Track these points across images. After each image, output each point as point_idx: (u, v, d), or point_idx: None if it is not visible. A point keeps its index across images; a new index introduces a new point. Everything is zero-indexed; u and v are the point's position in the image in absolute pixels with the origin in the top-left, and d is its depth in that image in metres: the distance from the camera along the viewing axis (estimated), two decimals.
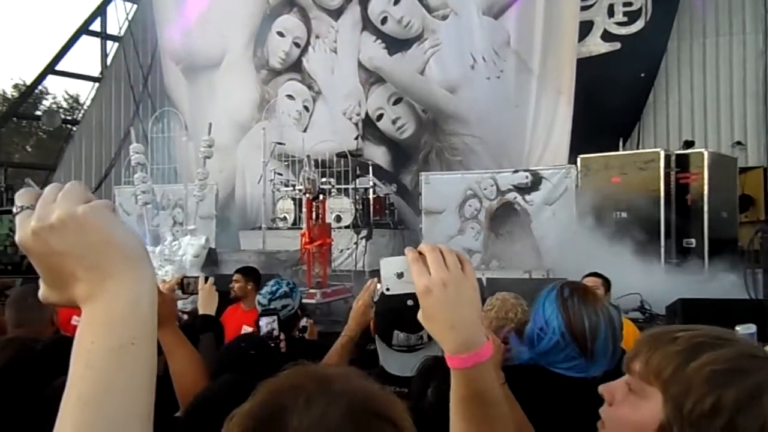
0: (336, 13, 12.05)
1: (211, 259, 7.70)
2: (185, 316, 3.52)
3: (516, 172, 8.40)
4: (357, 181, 9.96)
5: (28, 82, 15.93)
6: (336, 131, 11.42)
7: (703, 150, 7.32)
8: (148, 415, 0.61)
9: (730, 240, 7.19)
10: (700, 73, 10.98)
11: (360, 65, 11.80)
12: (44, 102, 18.50)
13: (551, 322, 1.64)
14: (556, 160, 9.44)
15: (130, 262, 0.63)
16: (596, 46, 10.99)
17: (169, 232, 8.11)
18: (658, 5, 10.69)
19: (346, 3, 11.93)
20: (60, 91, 18.90)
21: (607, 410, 0.95)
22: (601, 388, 0.96)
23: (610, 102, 9.92)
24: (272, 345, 2.77)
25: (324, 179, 8.64)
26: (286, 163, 11.05)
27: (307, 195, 6.72)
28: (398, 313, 1.81)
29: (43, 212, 0.62)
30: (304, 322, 3.37)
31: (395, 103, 11.60)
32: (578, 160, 7.70)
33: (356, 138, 11.08)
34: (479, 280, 0.97)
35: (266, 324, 2.60)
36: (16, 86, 19.29)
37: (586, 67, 10.28)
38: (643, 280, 6.28)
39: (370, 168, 10.11)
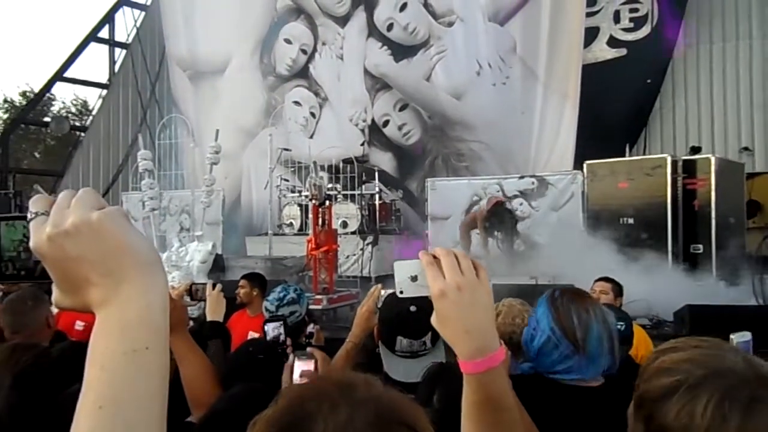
0: (342, 20, 12.11)
1: (217, 265, 7.71)
2: (191, 323, 3.53)
3: (522, 177, 8.39)
4: (363, 187, 9.98)
5: (36, 89, 16.08)
6: (342, 137, 11.46)
7: (710, 156, 7.29)
8: (161, 418, 0.61)
9: (738, 246, 7.15)
10: (706, 79, 10.96)
11: (366, 72, 11.84)
12: (53, 108, 18.65)
13: (542, 320, 1.65)
14: (561, 166, 9.43)
15: (143, 267, 0.63)
16: (602, 52, 10.99)
17: (176, 237, 8.15)
18: (665, 11, 10.68)
19: (353, 10, 11.99)
20: (68, 97, 19.05)
21: None
22: None
23: (616, 108, 9.91)
24: (279, 351, 2.78)
25: (330, 185, 8.66)
26: (293, 169, 11.09)
27: (314, 201, 6.73)
28: (401, 319, 1.82)
29: (57, 218, 0.62)
30: (311, 328, 3.37)
31: (401, 109, 11.63)
32: (585, 165, 7.68)
33: (362, 144, 11.12)
34: None
35: (272, 329, 2.60)
36: (24, 93, 19.47)
37: (592, 73, 10.28)
38: (651, 286, 6.25)
39: (377, 174, 10.13)
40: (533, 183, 8.19)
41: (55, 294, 0.65)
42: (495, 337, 0.91)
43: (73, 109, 19.71)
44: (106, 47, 14.64)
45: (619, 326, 2.51)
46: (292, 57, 12.55)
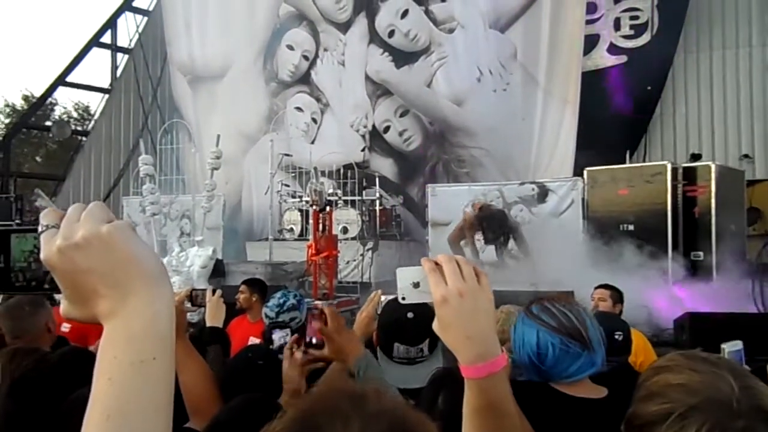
0: (344, 27, 12.15)
1: (218, 270, 7.72)
2: (191, 329, 3.53)
3: (522, 184, 8.40)
4: (364, 192, 10.00)
5: (38, 94, 16.13)
6: (343, 143, 11.49)
7: (710, 163, 7.31)
8: (167, 428, 0.63)
9: (739, 253, 7.15)
10: (706, 86, 10.98)
11: (367, 78, 11.88)
12: (54, 113, 18.70)
13: (542, 337, 1.62)
14: (561, 172, 9.45)
15: (150, 279, 0.65)
16: (603, 59, 11.02)
17: (176, 242, 8.15)
18: (665, 18, 10.72)
19: (354, 16, 12.03)
20: (70, 102, 19.08)
21: None
22: None
23: (616, 115, 9.93)
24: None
25: (331, 191, 8.67)
26: (293, 174, 11.11)
27: (314, 206, 6.74)
28: (399, 326, 1.82)
29: (68, 231, 0.64)
30: None
31: (402, 115, 11.66)
32: (585, 172, 7.69)
33: (363, 150, 11.15)
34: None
35: (279, 338, 2.61)
36: (25, 98, 19.52)
37: (592, 80, 10.31)
38: (651, 293, 6.25)
39: (377, 180, 10.15)
40: (534, 189, 8.20)
41: (64, 305, 0.67)
42: (496, 343, 0.93)
43: (75, 114, 19.75)
44: (108, 52, 14.68)
45: (617, 336, 2.52)
46: (294, 63, 12.60)
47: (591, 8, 10.79)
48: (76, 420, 0.62)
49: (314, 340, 1.64)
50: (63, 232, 0.64)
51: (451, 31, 11.25)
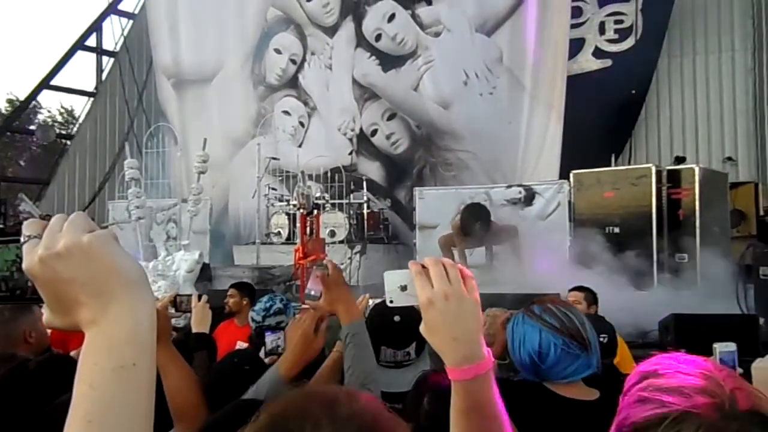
0: (331, 31, 12.15)
1: (204, 274, 7.68)
2: (174, 333, 3.51)
3: (509, 187, 8.44)
4: (351, 196, 9.99)
5: (22, 97, 15.95)
6: (331, 147, 11.47)
7: (694, 166, 7.37)
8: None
9: (722, 255, 7.23)
10: (690, 90, 11.11)
11: (354, 81, 11.88)
12: (38, 116, 18.51)
13: (544, 337, 1.64)
14: (547, 175, 9.50)
15: (131, 287, 0.66)
16: (588, 63, 11.11)
17: (162, 246, 8.10)
18: (649, 22, 10.84)
19: (341, 20, 12.04)
20: (55, 105, 18.92)
21: None
22: None
23: (602, 118, 10.01)
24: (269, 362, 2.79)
25: (318, 194, 8.66)
26: (281, 178, 11.08)
27: (302, 210, 6.74)
28: (385, 329, 1.82)
29: (50, 241, 0.65)
30: None
31: (389, 118, 11.67)
32: (571, 175, 7.74)
33: (350, 153, 11.13)
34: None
35: (272, 341, 2.60)
36: (9, 101, 19.32)
37: (578, 83, 10.39)
38: (636, 294, 6.30)
39: (365, 183, 10.15)
40: (520, 192, 8.23)
41: (46, 314, 0.68)
42: (482, 345, 0.93)
43: (60, 118, 19.60)
44: (93, 55, 14.56)
45: (602, 338, 2.54)
46: (281, 67, 12.57)
47: (576, 12, 10.88)
48: (58, 426, 0.62)
49: (312, 292, 1.67)
50: (45, 242, 0.65)
51: (437, 34, 11.29)
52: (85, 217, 0.68)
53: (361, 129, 11.83)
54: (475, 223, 7.23)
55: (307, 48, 12.41)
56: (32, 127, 16.49)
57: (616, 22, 11.03)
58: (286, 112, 12.47)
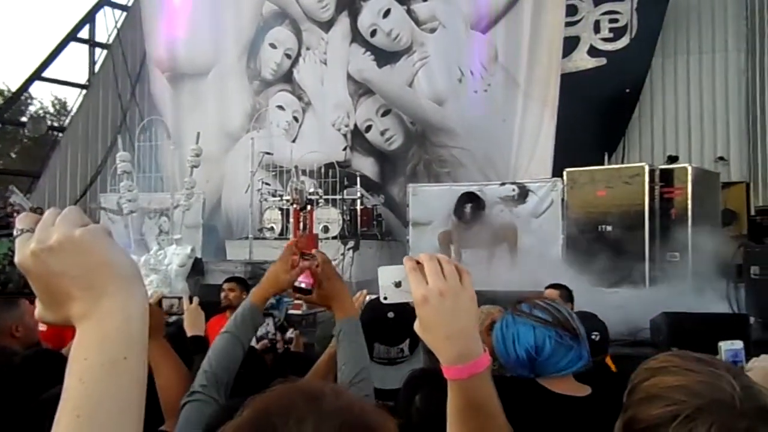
0: (326, 26, 12.11)
1: (196, 269, 7.65)
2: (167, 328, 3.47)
3: (503, 184, 8.44)
4: (345, 191, 9.97)
5: (14, 89, 15.81)
6: (325, 142, 11.45)
7: (686, 165, 7.41)
8: (137, 427, 0.63)
9: (714, 254, 7.27)
10: (684, 90, 11.15)
11: (349, 77, 11.86)
12: (30, 108, 18.35)
13: (538, 332, 1.64)
14: (540, 173, 9.51)
15: (123, 282, 0.66)
16: (582, 61, 11.13)
17: (154, 241, 8.06)
18: (644, 22, 10.86)
19: (337, 15, 12.00)
20: (47, 97, 18.77)
21: None
22: None
23: (595, 117, 10.03)
24: (269, 346, 2.78)
25: (312, 190, 8.64)
26: (274, 173, 11.04)
27: (295, 205, 6.73)
28: (378, 326, 1.82)
29: (42, 235, 0.65)
30: (290, 333, 3.36)
31: (384, 114, 11.65)
32: (565, 173, 7.76)
33: (344, 149, 11.13)
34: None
35: (260, 327, 2.58)
36: (1, 92, 19.13)
37: (572, 82, 10.40)
38: (628, 293, 6.33)
39: (358, 179, 10.13)
40: (514, 190, 8.24)
41: (39, 308, 0.68)
42: (478, 343, 0.91)
43: (51, 110, 19.43)
44: (86, 47, 14.42)
45: (593, 336, 2.55)
46: (276, 61, 12.53)
47: (571, 10, 10.89)
48: (47, 420, 0.62)
49: (303, 285, 1.65)
50: (38, 235, 0.65)
51: (432, 30, 11.28)
52: (78, 211, 0.68)
53: (355, 125, 11.81)
54: (464, 205, 7.23)
55: (302, 43, 12.37)
56: (24, 119, 16.34)
57: (611, 20, 11.05)
58: (281, 107, 12.43)
